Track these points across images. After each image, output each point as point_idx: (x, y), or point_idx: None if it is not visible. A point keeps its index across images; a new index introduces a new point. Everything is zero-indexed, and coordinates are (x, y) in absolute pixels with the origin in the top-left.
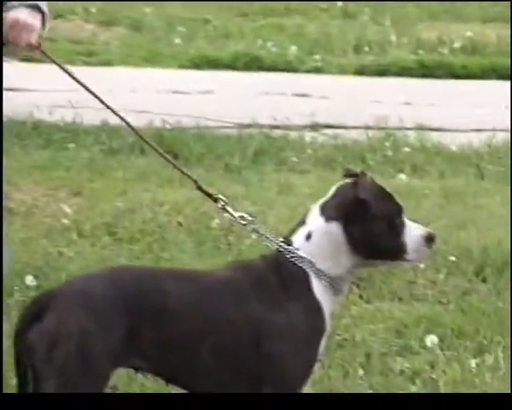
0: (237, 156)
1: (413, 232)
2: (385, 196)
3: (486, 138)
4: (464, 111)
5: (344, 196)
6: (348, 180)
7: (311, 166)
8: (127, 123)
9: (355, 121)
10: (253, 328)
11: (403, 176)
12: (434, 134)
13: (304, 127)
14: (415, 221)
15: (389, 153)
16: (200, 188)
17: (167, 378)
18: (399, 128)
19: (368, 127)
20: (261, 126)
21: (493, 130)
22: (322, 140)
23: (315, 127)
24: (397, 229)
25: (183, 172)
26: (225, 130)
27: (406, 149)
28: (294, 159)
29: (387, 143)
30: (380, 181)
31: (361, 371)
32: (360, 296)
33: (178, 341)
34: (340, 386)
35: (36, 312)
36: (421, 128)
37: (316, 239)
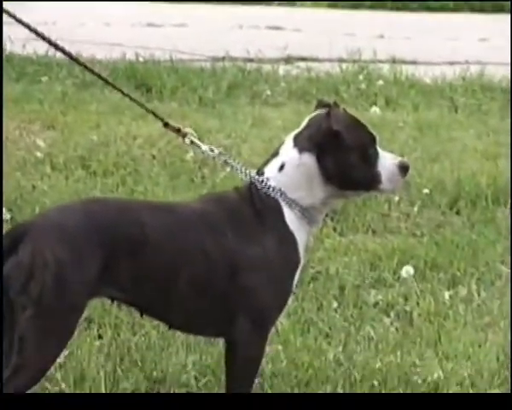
0: (211, 90)
1: (387, 162)
2: (358, 126)
3: (460, 71)
4: (438, 44)
5: (317, 128)
6: (321, 111)
7: (284, 98)
8: (74, 58)
9: (328, 54)
10: (227, 259)
11: (376, 109)
12: (408, 67)
13: (277, 60)
14: (392, 153)
15: (363, 86)
16: (167, 125)
17: (142, 309)
18: (373, 61)
19: (341, 60)
20: (235, 60)
21: (467, 63)
22: (296, 73)
23: (288, 60)
24: (370, 159)
25: (147, 110)
26: (199, 63)
27: (380, 82)
28: (268, 92)
29: (361, 76)
30: (354, 114)
31: (335, 304)
32: (334, 229)
33: (154, 272)
34: (314, 318)
35: (10, 244)
36: (394, 61)
37: (288, 170)
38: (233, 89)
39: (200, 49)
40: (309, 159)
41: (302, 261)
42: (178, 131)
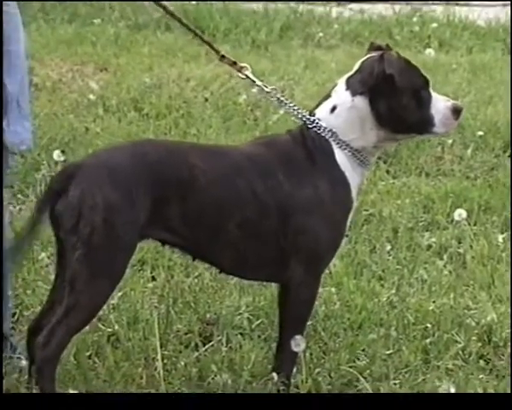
0: (264, 31)
1: (440, 104)
2: (410, 69)
3: None
4: None
5: (370, 71)
6: (373, 54)
7: (337, 41)
8: None
9: None
10: (279, 202)
11: (431, 51)
12: (462, 9)
13: (330, 2)
14: (445, 95)
15: (416, 28)
16: (223, 57)
17: (193, 252)
18: (426, 3)
19: (394, 2)
20: (287, 1)
21: None
22: (349, 15)
23: (341, 2)
24: (423, 102)
25: (203, 40)
26: (251, 4)
27: (433, 25)
28: (321, 34)
29: (414, 19)
30: (407, 56)
31: (388, 246)
32: (387, 172)
33: (204, 214)
34: (368, 260)
35: (61, 185)
36: (448, 3)
37: (340, 112)
38: (285, 31)
39: None
40: (362, 102)
41: (355, 203)
42: (234, 63)
